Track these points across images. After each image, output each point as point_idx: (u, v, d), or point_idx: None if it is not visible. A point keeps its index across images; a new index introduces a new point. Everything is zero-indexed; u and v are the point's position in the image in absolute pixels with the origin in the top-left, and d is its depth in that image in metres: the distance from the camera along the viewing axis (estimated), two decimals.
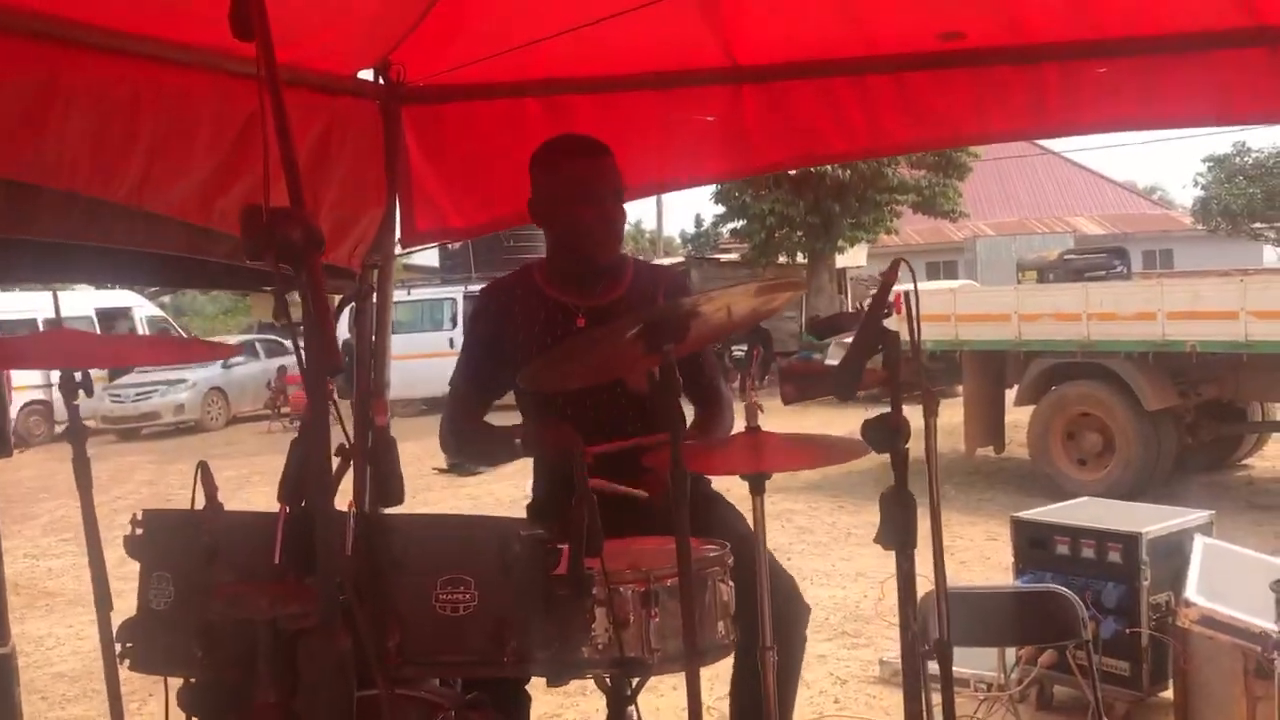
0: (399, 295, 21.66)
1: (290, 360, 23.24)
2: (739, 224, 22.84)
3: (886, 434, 1.97)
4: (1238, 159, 30.44)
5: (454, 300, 21.38)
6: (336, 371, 1.45)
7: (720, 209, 23.03)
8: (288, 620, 1.66)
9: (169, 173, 2.94)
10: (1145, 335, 9.10)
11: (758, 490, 2.16)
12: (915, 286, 2.06)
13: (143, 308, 24.15)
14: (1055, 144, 39.06)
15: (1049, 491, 8.89)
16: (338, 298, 4.03)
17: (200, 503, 2.04)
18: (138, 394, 20.73)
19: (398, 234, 4.00)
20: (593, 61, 3.78)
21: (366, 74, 3.82)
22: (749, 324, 2.32)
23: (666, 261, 30.72)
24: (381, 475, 1.79)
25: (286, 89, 3.40)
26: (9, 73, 2.48)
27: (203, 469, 2.29)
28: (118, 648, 1.93)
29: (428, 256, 27.01)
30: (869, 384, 2.06)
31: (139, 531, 1.93)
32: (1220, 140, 36.11)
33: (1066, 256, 13.32)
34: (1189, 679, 4.58)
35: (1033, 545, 5.03)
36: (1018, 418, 10.75)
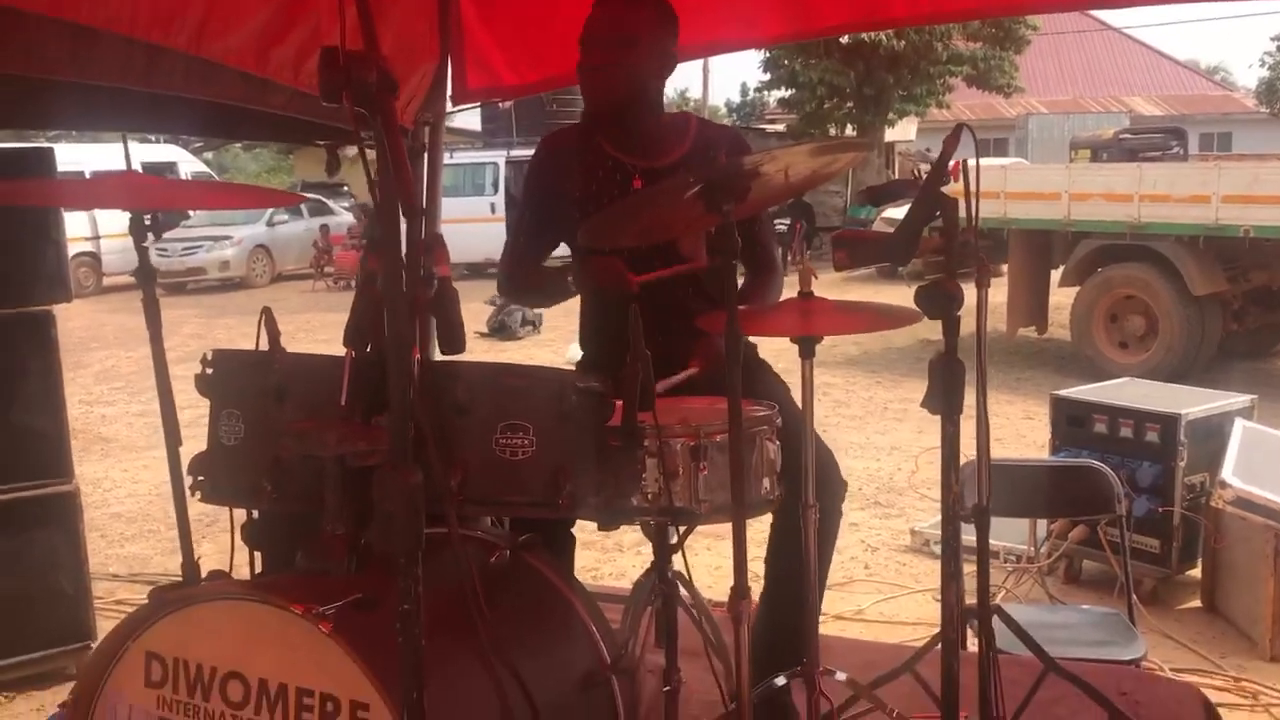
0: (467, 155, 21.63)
1: (334, 220, 23.37)
2: (787, 93, 22.40)
3: (941, 300, 1.98)
4: None
5: (496, 165, 21.26)
6: (413, 215, 1.48)
7: (767, 76, 22.57)
8: (354, 457, 1.73)
9: (227, 21, 2.94)
10: (1198, 218, 8.92)
11: (807, 354, 2.19)
12: (976, 155, 2.05)
13: (188, 163, 24.18)
14: (1115, 19, 37.75)
15: (1088, 373, 8.89)
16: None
17: (264, 346, 2.10)
18: (184, 249, 20.91)
19: (449, 91, 3.99)
20: None
21: None
22: (809, 187, 2.31)
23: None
24: (445, 324, 1.83)
25: None
26: None
27: (266, 315, 2.36)
28: (188, 480, 2.01)
29: (469, 120, 26.76)
30: (924, 250, 2.06)
31: (209, 370, 2.00)
32: None
33: (1122, 136, 12.97)
34: (1219, 558, 4.67)
35: (1070, 423, 5.07)
36: (1060, 299, 10.68)
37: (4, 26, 2.38)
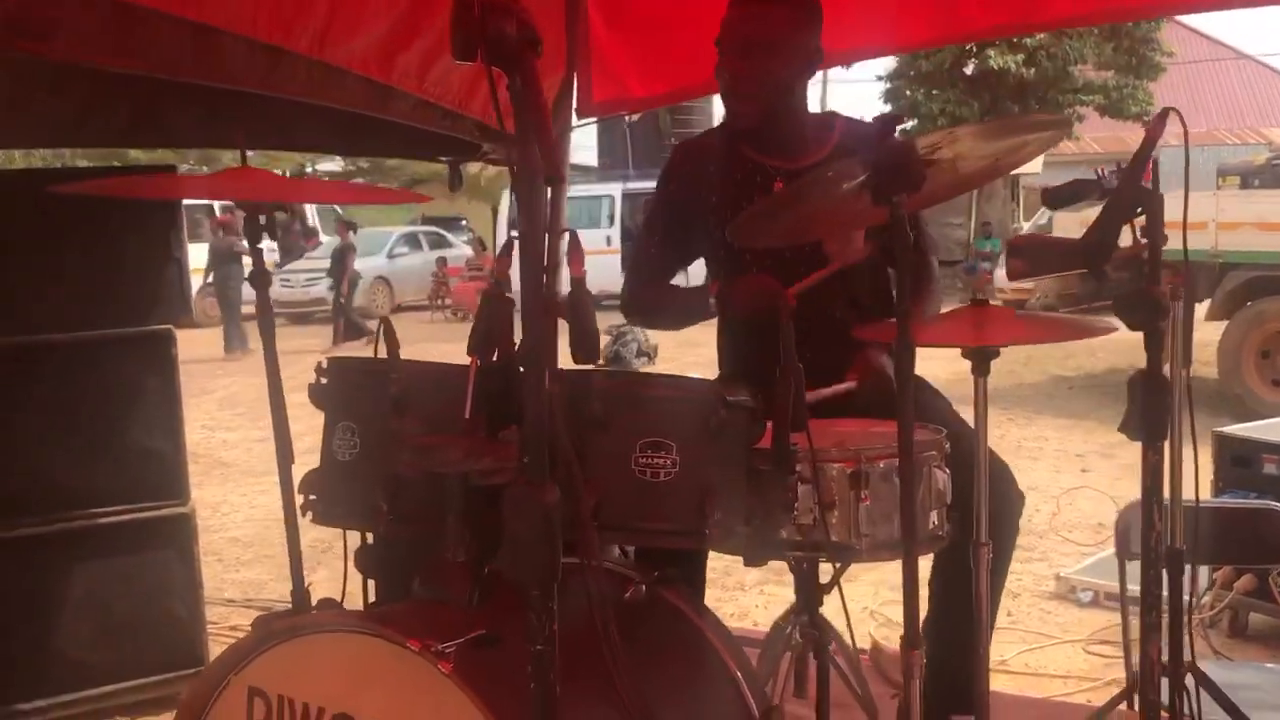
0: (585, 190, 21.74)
1: (451, 253, 23.67)
2: (909, 124, 21.97)
3: (1144, 309, 1.72)
4: None
5: (612, 198, 21.26)
6: (556, 181, 1.29)
7: (888, 107, 22.16)
8: (479, 475, 1.54)
9: (351, 24, 2.83)
10: None
11: (981, 370, 1.94)
12: (1186, 141, 1.79)
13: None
14: (1252, 47, 36.32)
15: (1237, 412, 8.33)
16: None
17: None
18: (307, 279, 21.34)
19: (574, 105, 3.85)
20: None
21: None
22: (987, 179, 2.07)
23: None
24: (579, 329, 1.64)
25: None
26: None
27: (385, 325, 2.20)
28: (299, 499, 1.86)
29: (585, 155, 26.92)
30: (1120, 257, 1.80)
31: (323, 380, 1.84)
32: None
33: (1275, 161, 12.28)
34: None
35: (1236, 463, 4.66)
36: (1205, 335, 10.09)
37: (124, 23, 2.28)
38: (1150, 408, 1.74)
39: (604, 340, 13.59)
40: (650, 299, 2.66)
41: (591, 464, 1.59)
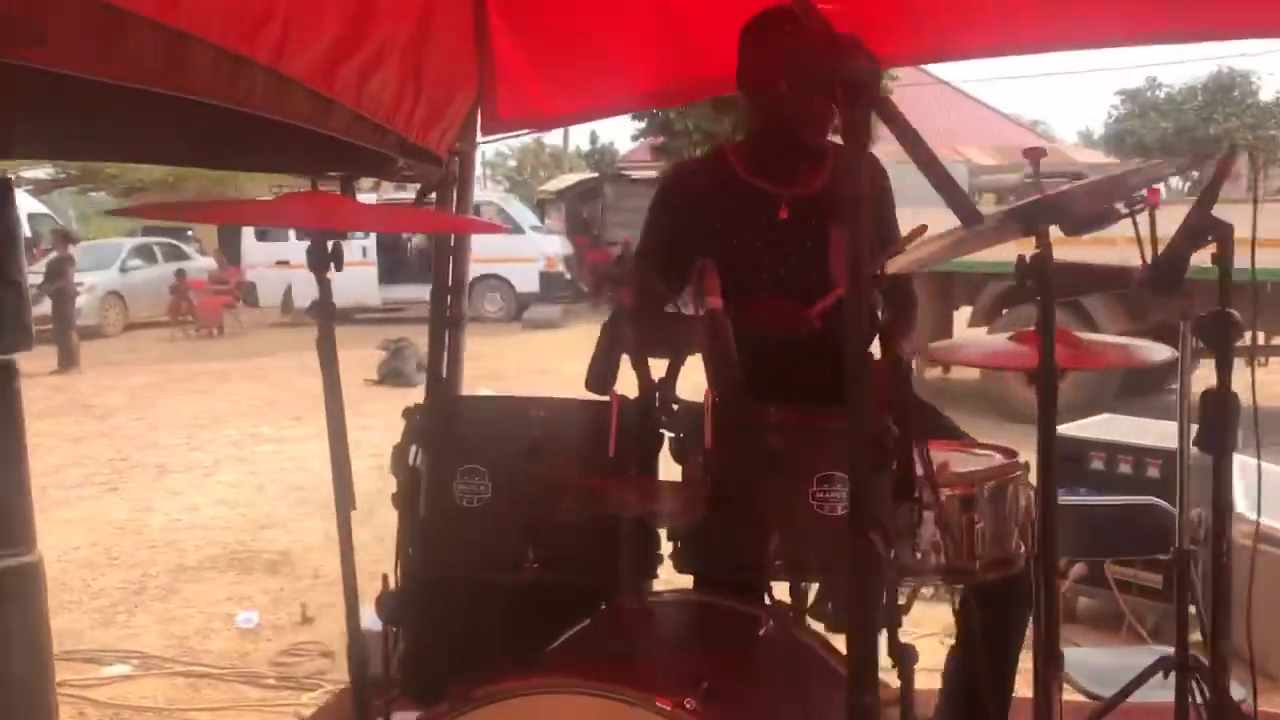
0: None
1: (190, 264, 22.29)
2: (659, 140, 22.55)
3: (1219, 331, 1.86)
4: (1149, 93, 31.30)
5: None
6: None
7: (642, 124, 22.64)
8: (662, 517, 1.48)
9: (303, 33, 2.65)
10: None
11: (1048, 392, 2.02)
12: (1257, 174, 1.94)
13: (25, 205, 22.74)
14: (945, 72, 39.40)
15: (999, 411, 9.08)
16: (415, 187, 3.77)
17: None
18: (34, 293, 19.57)
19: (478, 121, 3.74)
20: None
21: None
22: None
23: (573, 177, 30.14)
24: (720, 360, 1.61)
25: None
26: None
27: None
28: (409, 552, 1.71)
29: None
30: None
31: (428, 418, 1.71)
32: (1129, 76, 37.04)
33: (1028, 179, 13.43)
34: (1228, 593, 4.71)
35: (1066, 459, 5.06)
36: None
37: (106, 28, 2.05)
38: (1221, 423, 1.88)
39: (380, 355, 13.20)
40: (648, 330, 2.60)
41: (768, 501, 1.56)
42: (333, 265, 1.80)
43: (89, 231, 31.10)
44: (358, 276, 20.01)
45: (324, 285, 1.82)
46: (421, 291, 20.35)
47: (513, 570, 1.61)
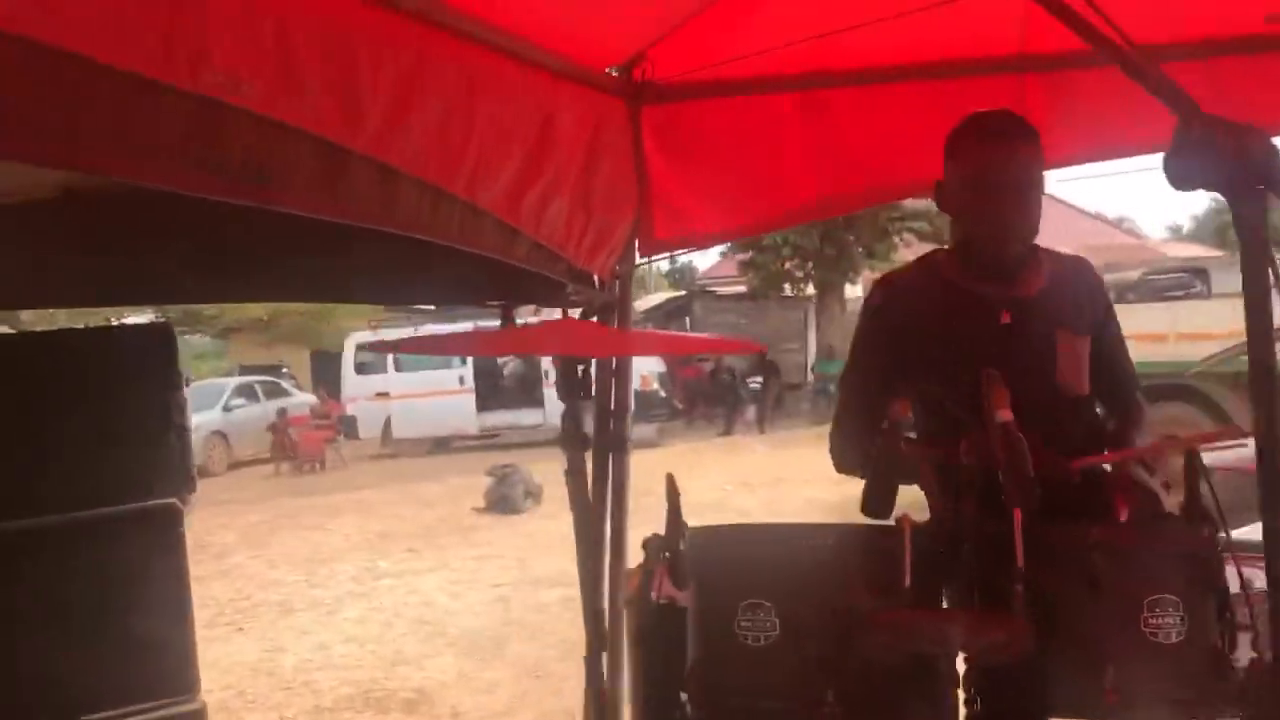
0: (405, 333, 21.31)
1: (291, 401, 22.73)
2: (747, 254, 22.67)
3: None
4: None
5: None
6: None
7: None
8: (985, 653, 1.36)
9: (492, 164, 2.66)
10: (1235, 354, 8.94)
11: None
12: None
13: None
14: None
15: None
16: (578, 311, 3.76)
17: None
18: None
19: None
20: (853, 53, 3.53)
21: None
22: None
23: (660, 296, 30.40)
24: (1016, 475, 1.49)
25: (565, 83, 3.14)
26: (386, 51, 2.20)
27: (669, 481, 2.01)
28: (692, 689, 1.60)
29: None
30: None
31: (695, 550, 1.61)
32: None
33: (1150, 276, 13.17)
34: None
35: None
36: None
37: (331, 170, 2.05)
38: None
39: (487, 481, 13.19)
40: (862, 452, 2.49)
41: (1098, 628, 1.42)
42: (580, 391, 1.74)
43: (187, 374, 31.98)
44: (456, 404, 20.23)
45: (574, 409, 1.75)
46: (518, 417, 20.83)
47: (809, 713, 1.49)
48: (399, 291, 3.84)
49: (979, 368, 2.35)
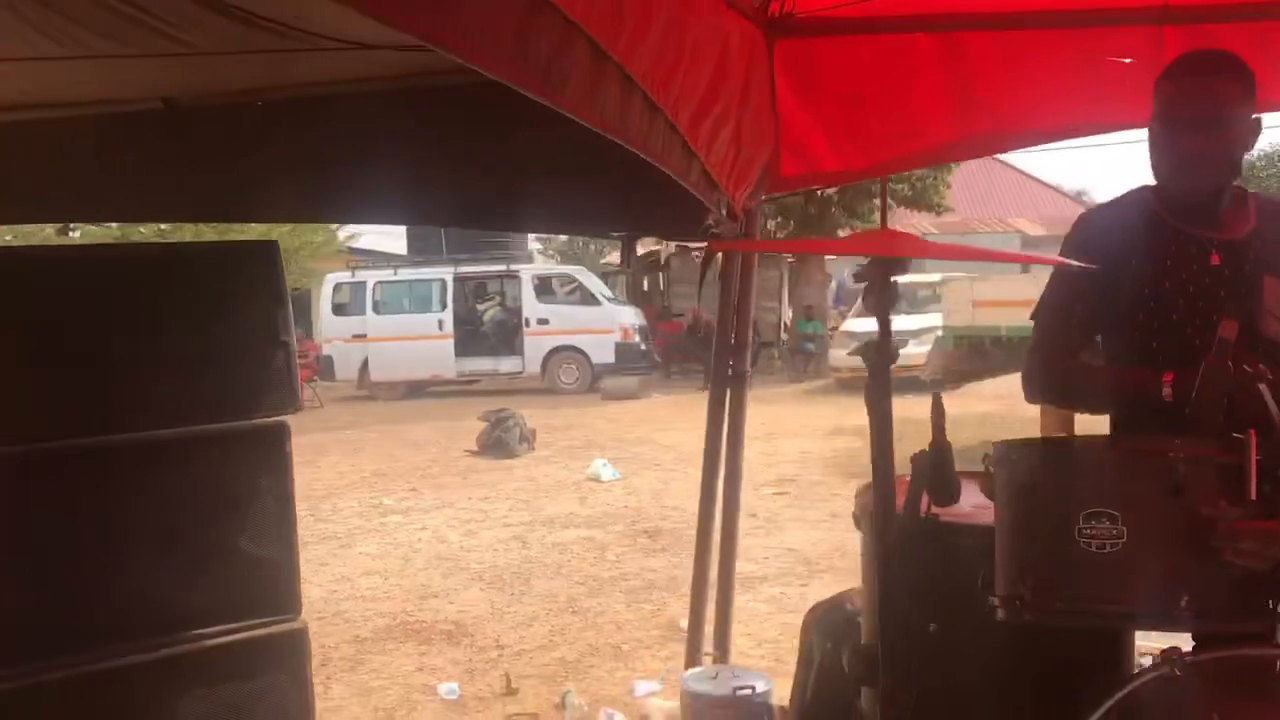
0: (385, 275, 21.12)
1: None
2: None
3: None
4: None
5: (444, 281, 20.82)
6: None
7: None
8: None
9: (688, 88, 2.65)
10: None
11: None
12: None
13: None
14: None
15: None
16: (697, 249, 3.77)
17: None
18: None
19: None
20: None
21: None
22: None
23: (640, 250, 30.31)
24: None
25: (731, 11, 3.12)
26: None
27: (935, 400, 2.06)
28: (1022, 595, 1.64)
29: (394, 242, 26.35)
30: None
31: (1017, 463, 1.64)
32: None
33: None
34: None
35: None
36: None
37: (597, 76, 2.04)
38: None
39: (479, 425, 13.16)
40: (1066, 377, 2.53)
41: None
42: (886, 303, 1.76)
43: None
44: (435, 348, 20.12)
45: (885, 325, 1.77)
46: (497, 364, 20.76)
47: (1161, 616, 1.54)
48: (517, 220, 3.83)
49: (1189, 305, 2.42)
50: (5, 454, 3.21)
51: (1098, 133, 3.76)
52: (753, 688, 3.05)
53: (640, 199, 3.49)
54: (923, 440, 2.15)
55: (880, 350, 1.76)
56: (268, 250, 3.80)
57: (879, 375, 1.75)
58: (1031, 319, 2.61)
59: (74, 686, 3.19)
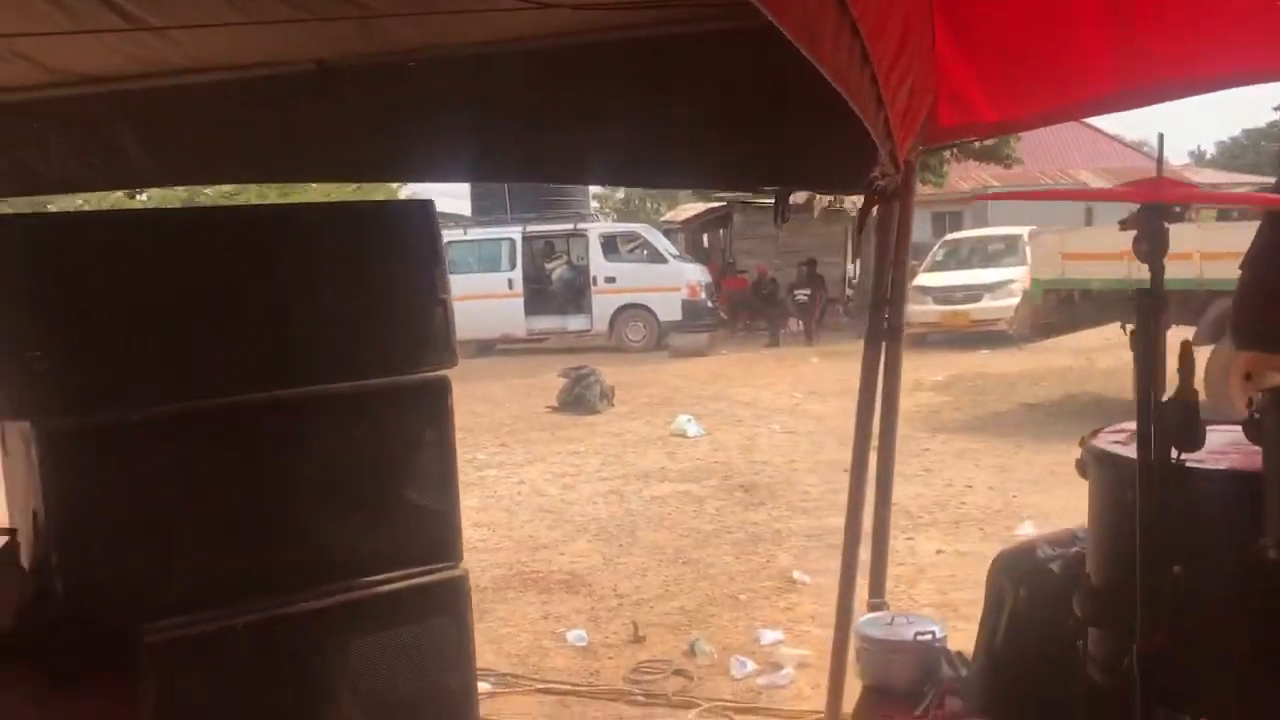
0: (454, 235, 21.26)
1: None
2: None
3: None
4: None
5: (513, 241, 20.92)
6: None
7: None
8: None
9: (887, 28, 2.65)
10: None
11: None
12: None
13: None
14: None
15: None
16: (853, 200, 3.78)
17: None
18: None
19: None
20: None
21: None
22: None
23: (697, 206, 30.12)
24: None
25: None
26: None
27: (1183, 348, 2.08)
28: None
29: (458, 203, 26.45)
30: None
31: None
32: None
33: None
34: None
35: None
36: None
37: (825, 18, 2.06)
38: None
39: (562, 383, 13.29)
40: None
41: None
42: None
43: None
44: (504, 307, 20.27)
45: (1157, 272, 1.80)
46: (565, 322, 20.86)
47: None
48: (674, 175, 3.87)
49: None
50: (188, 409, 3.34)
51: (1274, 80, 3.68)
52: (932, 633, 3.10)
53: (790, 152, 3.52)
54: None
55: (1155, 299, 1.78)
56: (425, 209, 3.87)
57: (1147, 322, 1.77)
58: (1241, 268, 2.61)
59: (257, 631, 3.32)
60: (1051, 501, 7.87)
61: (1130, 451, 2.12)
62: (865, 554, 4.03)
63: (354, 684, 3.61)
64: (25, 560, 3.29)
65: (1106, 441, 2.33)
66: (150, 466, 3.28)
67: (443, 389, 3.79)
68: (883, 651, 3.12)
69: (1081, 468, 2.40)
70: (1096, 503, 2.32)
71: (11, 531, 3.39)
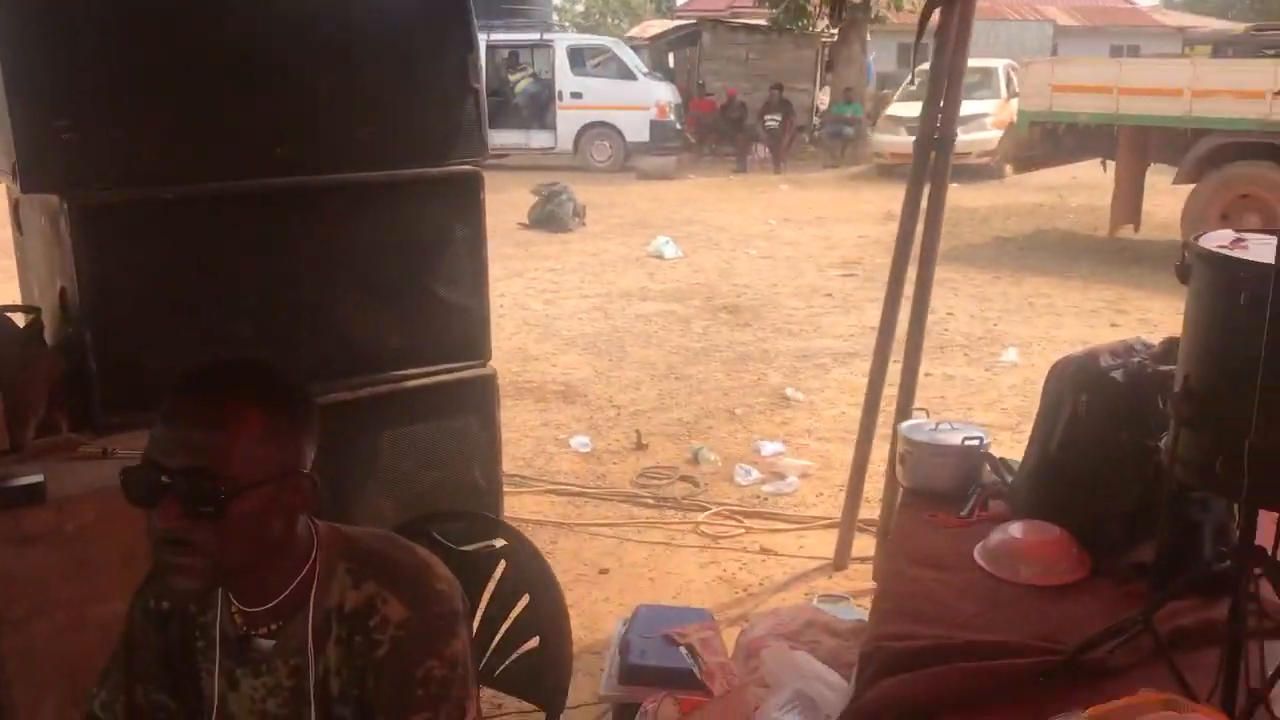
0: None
1: None
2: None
3: None
4: None
5: None
6: None
7: None
8: None
9: None
10: None
11: None
12: None
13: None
14: None
15: None
16: None
17: None
18: None
19: None
20: None
21: None
22: None
23: (663, 23, 29.23)
24: None
25: None
26: None
27: None
28: None
29: None
30: None
31: None
32: None
33: (1253, 32, 12.96)
34: None
35: None
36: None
37: None
38: None
39: (532, 200, 13.06)
40: None
41: None
42: None
43: None
44: None
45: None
46: (529, 138, 20.30)
47: None
48: None
49: None
50: (221, 190, 3.21)
51: None
52: (980, 438, 3.14)
53: None
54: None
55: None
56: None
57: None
58: None
59: None
60: (1032, 330, 7.98)
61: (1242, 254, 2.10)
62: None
63: (380, 479, 3.62)
64: (49, 339, 3.19)
65: (1214, 245, 2.30)
66: (182, 247, 3.18)
67: (475, 182, 3.70)
68: (927, 455, 3.15)
69: (1182, 272, 2.38)
70: (1201, 306, 2.31)
71: (35, 310, 3.28)
